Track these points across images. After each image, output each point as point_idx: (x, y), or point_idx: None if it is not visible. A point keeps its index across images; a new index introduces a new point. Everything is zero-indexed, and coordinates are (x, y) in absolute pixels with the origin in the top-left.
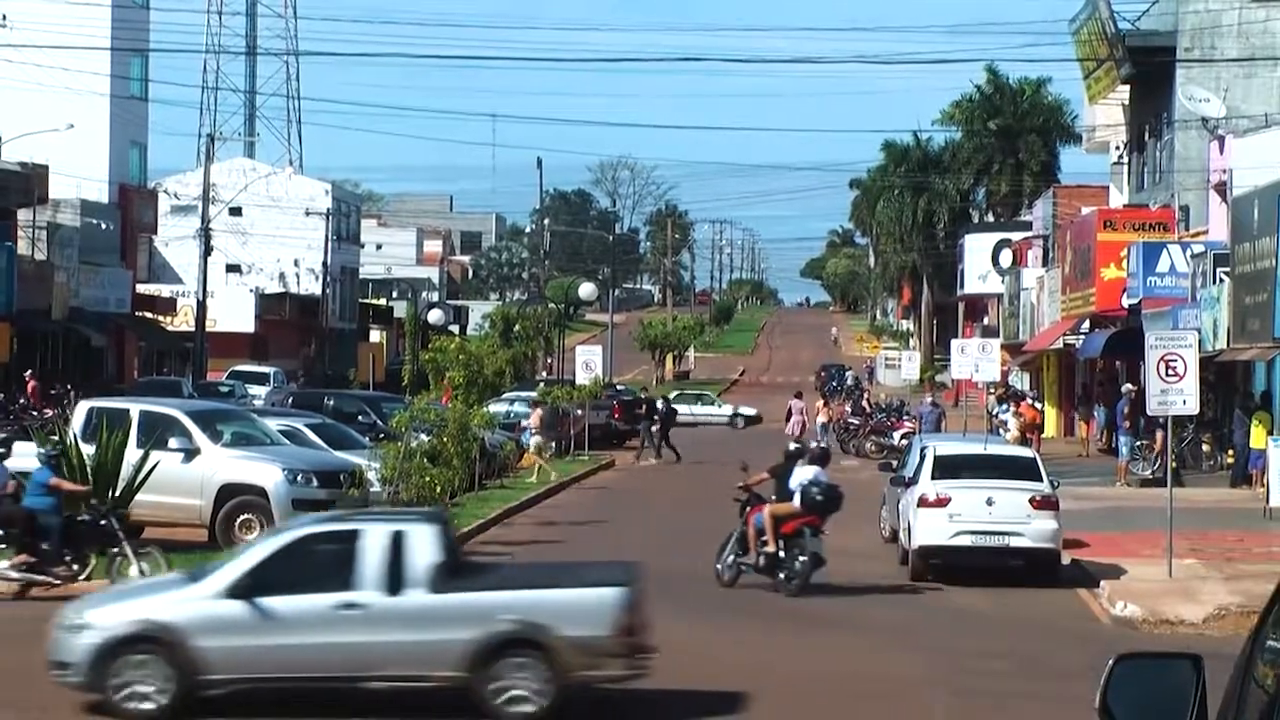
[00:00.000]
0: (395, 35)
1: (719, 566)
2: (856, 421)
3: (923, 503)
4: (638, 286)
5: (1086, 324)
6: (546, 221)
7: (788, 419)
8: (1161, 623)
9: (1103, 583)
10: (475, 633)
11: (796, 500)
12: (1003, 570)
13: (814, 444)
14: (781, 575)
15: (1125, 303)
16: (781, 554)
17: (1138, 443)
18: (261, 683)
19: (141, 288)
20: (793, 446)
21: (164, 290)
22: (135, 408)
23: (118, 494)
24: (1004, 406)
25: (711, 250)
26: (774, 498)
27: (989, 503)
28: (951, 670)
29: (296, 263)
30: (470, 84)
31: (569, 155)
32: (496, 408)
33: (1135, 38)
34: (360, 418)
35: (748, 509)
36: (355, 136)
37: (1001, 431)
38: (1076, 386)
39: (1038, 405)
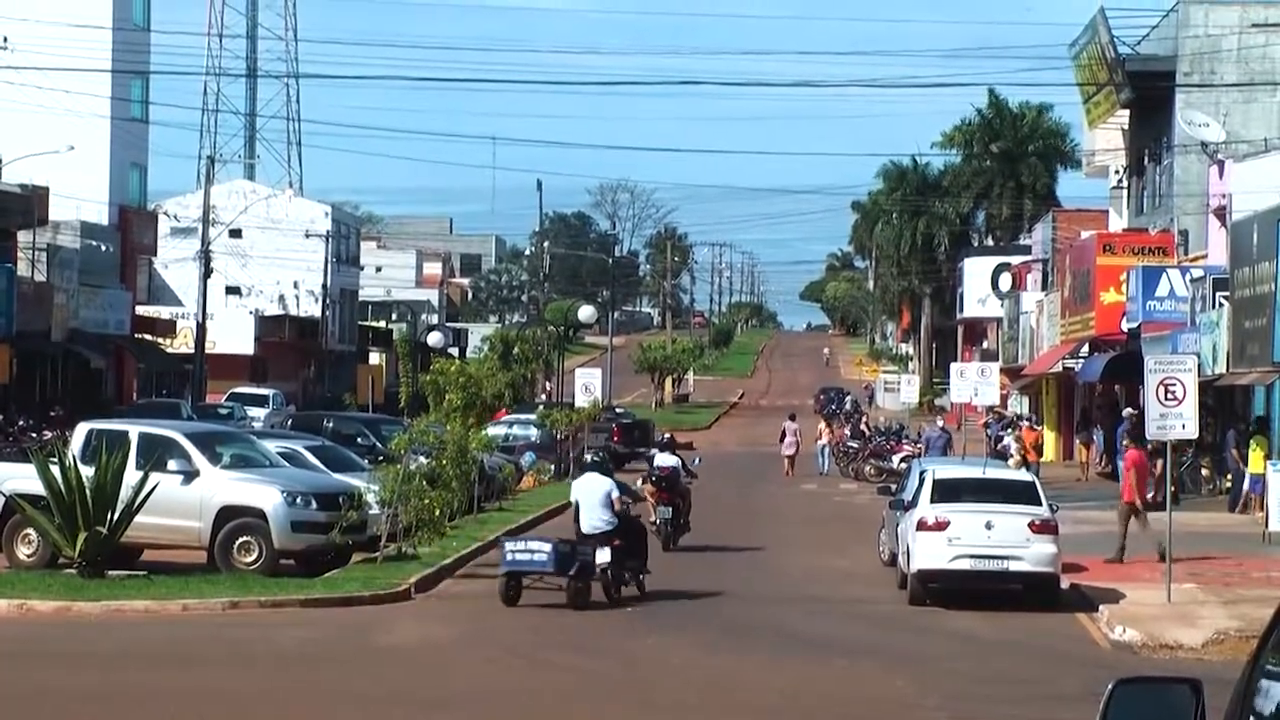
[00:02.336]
0: (395, 58)
1: None
2: (856, 445)
3: (922, 526)
4: (637, 309)
5: (1086, 348)
6: (546, 244)
7: (782, 439)
8: (1160, 647)
9: (1101, 607)
10: None
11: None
12: (1001, 594)
13: (664, 436)
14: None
15: (1124, 327)
16: (656, 521)
17: None
18: None
19: (141, 309)
20: (657, 438)
21: (163, 312)
22: (134, 429)
23: (116, 516)
24: (1007, 430)
25: (711, 273)
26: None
27: (988, 526)
28: (949, 694)
29: (296, 285)
30: (470, 106)
31: (568, 178)
32: (495, 430)
33: (1135, 62)
34: (359, 440)
35: None
36: (355, 159)
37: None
38: (1076, 411)
39: (1037, 427)
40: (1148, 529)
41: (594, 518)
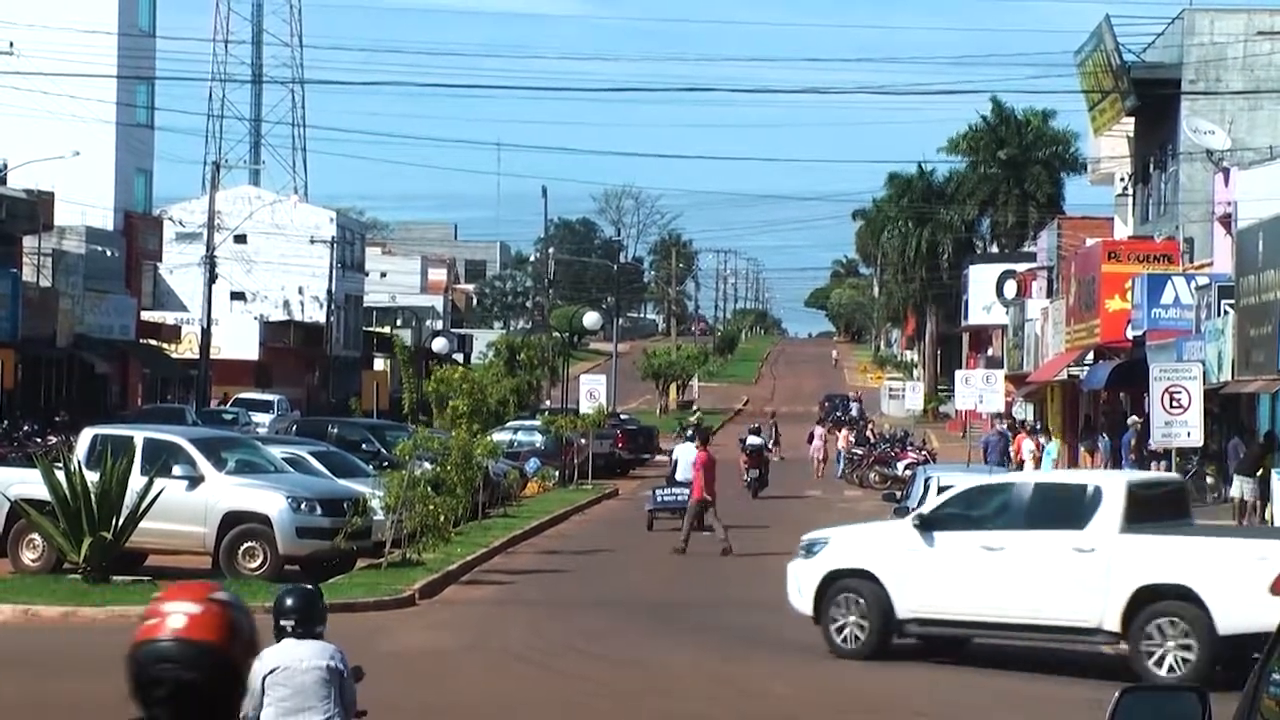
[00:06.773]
0: (400, 64)
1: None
2: (860, 451)
3: None
4: (642, 316)
5: (1091, 355)
6: (551, 250)
7: (810, 442)
8: None
9: None
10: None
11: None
12: None
13: (754, 424)
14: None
15: (1130, 334)
16: (746, 479)
17: None
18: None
19: (146, 315)
20: (751, 425)
21: (168, 317)
22: (139, 435)
23: (121, 521)
24: (1050, 440)
25: (716, 280)
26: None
27: None
28: (951, 701)
29: (301, 290)
30: (475, 113)
31: (573, 184)
32: (500, 436)
33: (1140, 70)
34: (364, 445)
35: None
36: (360, 164)
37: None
38: (1081, 418)
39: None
40: (718, 525)
41: (685, 472)
